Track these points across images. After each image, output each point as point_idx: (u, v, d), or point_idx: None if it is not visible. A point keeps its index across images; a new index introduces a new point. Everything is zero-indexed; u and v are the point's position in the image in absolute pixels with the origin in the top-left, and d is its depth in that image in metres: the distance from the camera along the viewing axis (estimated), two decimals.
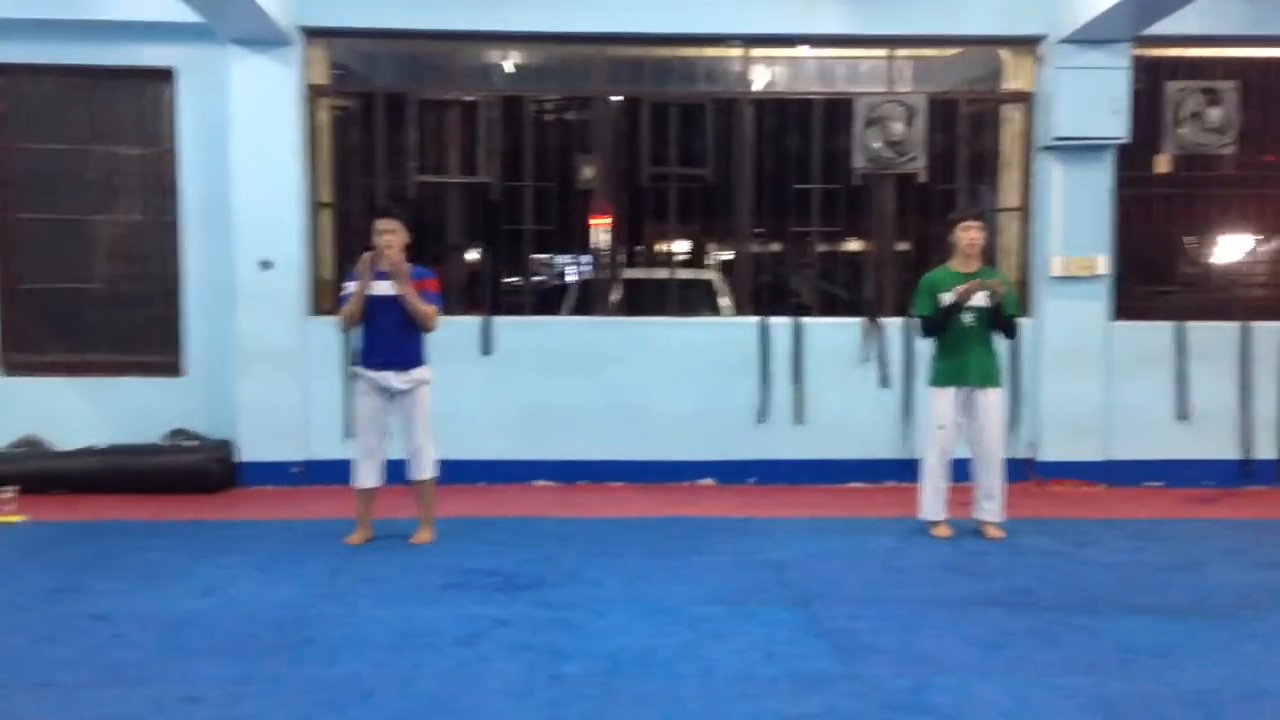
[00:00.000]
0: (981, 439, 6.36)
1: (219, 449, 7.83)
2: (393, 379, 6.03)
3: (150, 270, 8.20)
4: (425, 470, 6.16)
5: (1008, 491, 6.47)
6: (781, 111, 8.24)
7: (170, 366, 8.17)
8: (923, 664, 4.33)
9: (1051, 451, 8.00)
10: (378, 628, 4.71)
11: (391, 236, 5.93)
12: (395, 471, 6.24)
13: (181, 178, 8.05)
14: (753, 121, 8.14)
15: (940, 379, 6.41)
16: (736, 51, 8.12)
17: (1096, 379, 7.97)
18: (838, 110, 8.10)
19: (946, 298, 6.27)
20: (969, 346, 6.31)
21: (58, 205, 8.12)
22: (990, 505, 6.41)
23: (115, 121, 8.13)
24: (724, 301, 9.18)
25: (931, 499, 6.46)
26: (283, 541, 6.25)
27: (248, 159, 7.72)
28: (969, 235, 6.29)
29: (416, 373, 6.09)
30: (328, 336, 7.75)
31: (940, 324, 6.32)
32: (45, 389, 8.06)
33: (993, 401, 6.36)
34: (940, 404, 6.40)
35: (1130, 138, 7.74)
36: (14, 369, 8.10)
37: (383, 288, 5.97)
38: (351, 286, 6.03)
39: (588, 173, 8.13)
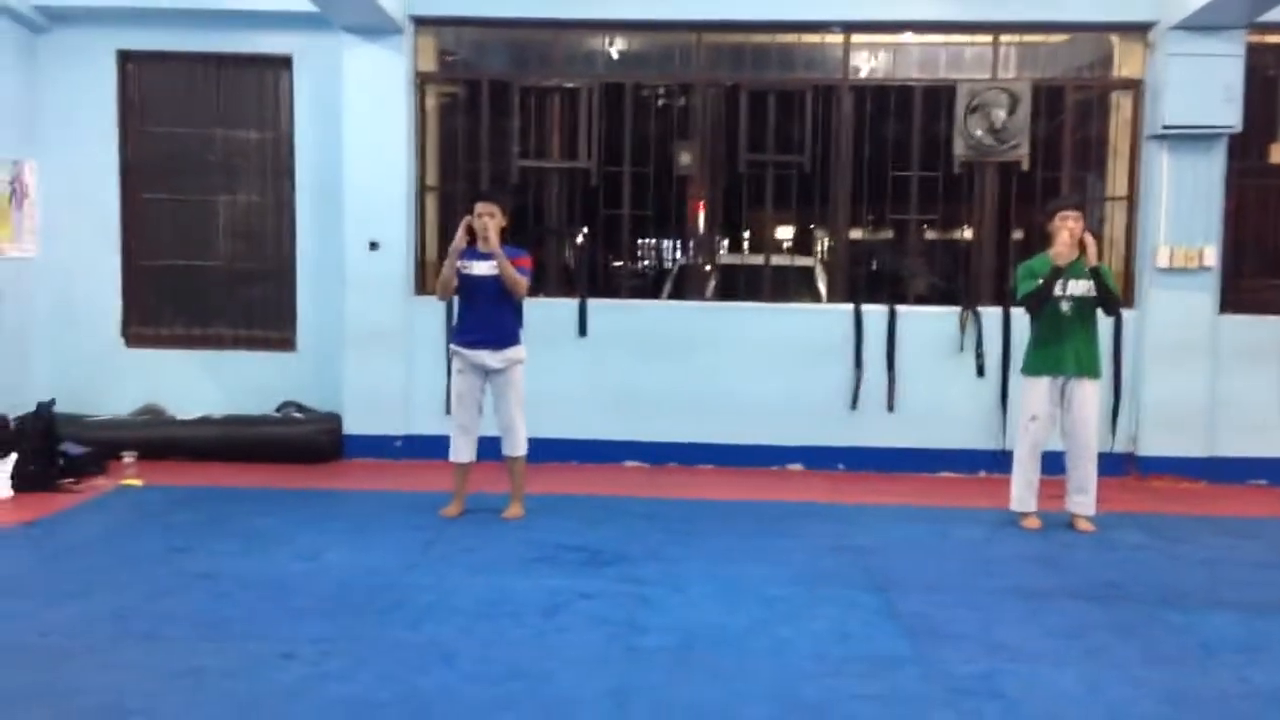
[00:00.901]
0: (1076, 431, 6.28)
1: (327, 422, 8.16)
2: (487, 357, 6.22)
3: (266, 250, 8.58)
4: (518, 447, 6.34)
5: (1103, 485, 6.37)
6: (882, 98, 8.20)
7: (283, 341, 8.54)
8: (997, 651, 4.34)
9: (1152, 446, 7.82)
10: (464, 596, 4.91)
11: (490, 220, 6.11)
12: (492, 448, 6.44)
13: (297, 161, 8.40)
14: (852, 108, 8.11)
15: (1034, 368, 6.34)
16: (837, 38, 8.10)
17: (1201, 373, 7.77)
18: (939, 97, 8.04)
19: (1060, 263, 6.16)
20: (1067, 335, 6.22)
21: (181, 186, 8.54)
22: (1082, 499, 6.33)
23: (236, 106, 8.51)
24: (821, 288, 9.19)
25: (1022, 490, 6.40)
26: (381, 511, 6.52)
27: (359, 143, 8.00)
28: (1067, 225, 6.19)
29: (511, 352, 6.26)
30: (431, 316, 8.01)
31: (1044, 294, 6.20)
32: (165, 360, 8.50)
33: (1089, 393, 6.27)
34: (1033, 394, 6.33)
35: (1243, 126, 7.51)
36: (135, 341, 8.55)
37: (481, 268, 6.16)
38: (457, 262, 6.21)
39: (686, 159, 8.21)
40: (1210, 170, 7.71)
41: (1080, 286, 6.19)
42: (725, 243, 9.35)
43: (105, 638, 4.32)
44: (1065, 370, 6.23)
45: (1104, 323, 6.54)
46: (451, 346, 6.43)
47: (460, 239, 6.13)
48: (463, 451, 6.36)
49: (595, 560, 5.56)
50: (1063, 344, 6.22)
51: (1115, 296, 6.39)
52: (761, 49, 8.24)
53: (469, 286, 6.23)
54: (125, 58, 8.42)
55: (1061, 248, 6.13)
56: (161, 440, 7.92)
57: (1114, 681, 4.03)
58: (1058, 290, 6.19)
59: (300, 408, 8.31)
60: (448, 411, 7.69)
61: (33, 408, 7.26)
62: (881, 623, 4.67)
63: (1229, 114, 7.44)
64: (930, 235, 9.68)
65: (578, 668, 4.08)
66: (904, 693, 3.92)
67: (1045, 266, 6.24)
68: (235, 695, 3.78)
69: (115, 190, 8.46)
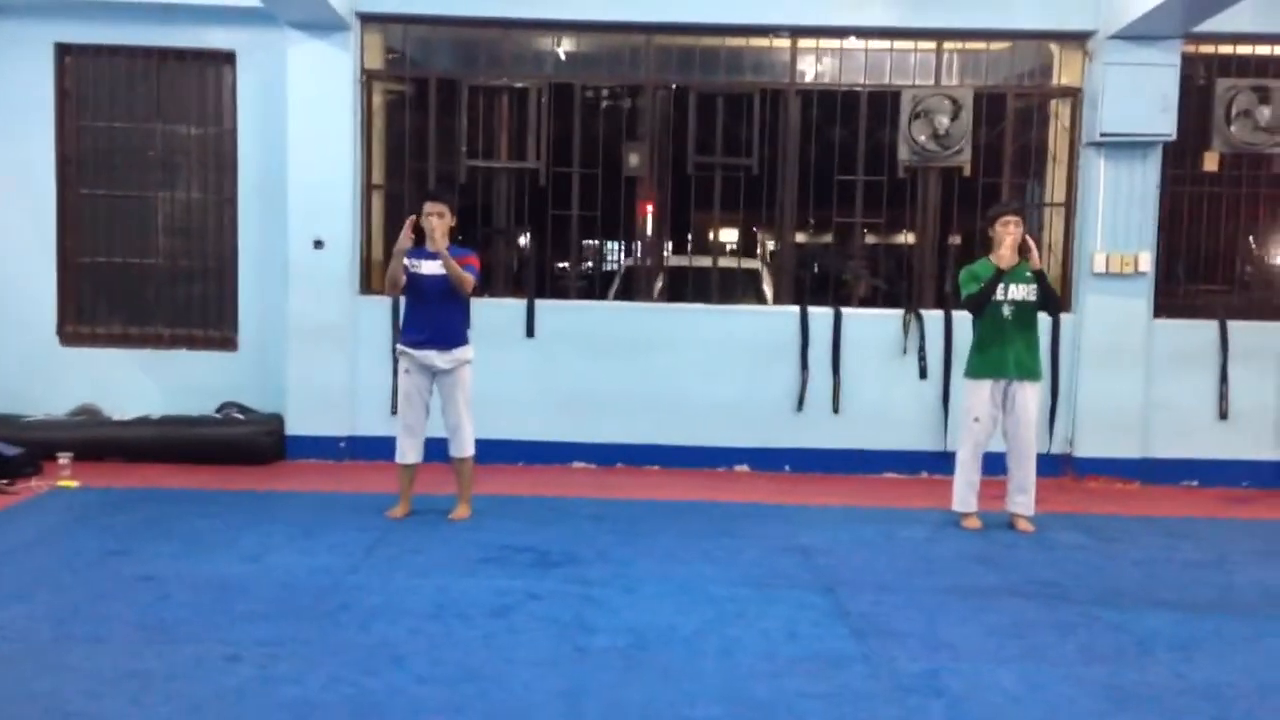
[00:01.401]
0: (1017, 432, 6.39)
1: (269, 422, 8.06)
2: (435, 358, 6.19)
3: (207, 247, 8.45)
4: (465, 448, 6.32)
5: (1040, 486, 6.50)
6: (828, 103, 8.28)
7: (224, 341, 8.42)
8: (941, 650, 4.41)
9: (1089, 448, 8.00)
10: (412, 597, 4.88)
11: (438, 220, 6.08)
12: (439, 449, 6.41)
13: (240, 157, 8.29)
14: (799, 112, 8.20)
15: (977, 371, 6.45)
16: (784, 42, 8.18)
17: (1136, 376, 7.95)
18: (884, 102, 8.15)
19: (1004, 266, 6.27)
20: (1008, 339, 6.33)
21: (119, 182, 8.38)
22: (1022, 499, 6.45)
23: (178, 101, 8.37)
24: (767, 290, 9.26)
25: (964, 491, 6.51)
26: (325, 513, 6.45)
27: (303, 140, 7.92)
28: (1008, 229, 6.30)
29: (459, 352, 6.24)
30: (376, 315, 7.97)
31: (986, 296, 6.29)
32: (102, 359, 8.34)
33: (1030, 395, 6.39)
34: (976, 396, 6.44)
35: (1178, 135, 7.70)
36: (71, 340, 8.39)
37: (428, 267, 6.13)
38: (405, 260, 6.17)
39: (635, 160, 8.23)
40: (1145, 177, 7.89)
41: (1021, 291, 6.31)
42: (670, 244, 9.34)
43: (46, 640, 4.24)
44: (1007, 373, 6.35)
45: (1043, 326, 6.68)
46: (398, 346, 6.38)
47: (405, 238, 6.10)
48: (409, 453, 6.32)
49: (544, 561, 5.55)
50: (1004, 347, 6.33)
51: (1056, 298, 6.56)
52: (710, 52, 8.28)
53: (416, 286, 6.19)
54: (63, 50, 8.25)
55: (1005, 251, 6.24)
56: (98, 441, 7.78)
57: (1054, 679, 4.11)
58: (1000, 295, 6.30)
59: (242, 408, 8.20)
60: (393, 412, 7.65)
61: None
62: (829, 622, 4.72)
63: (1164, 122, 7.63)
64: (874, 239, 9.79)
65: (529, 669, 4.08)
66: (851, 691, 3.96)
67: (987, 270, 6.35)
68: (181, 698, 3.73)
69: (51, 185, 8.30)
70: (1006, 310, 6.32)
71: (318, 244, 7.97)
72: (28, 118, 8.21)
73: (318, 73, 7.89)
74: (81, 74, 8.35)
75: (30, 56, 8.17)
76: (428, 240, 6.10)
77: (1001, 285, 6.29)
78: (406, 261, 6.14)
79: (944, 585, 5.32)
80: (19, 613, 4.55)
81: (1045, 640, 4.55)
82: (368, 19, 8.05)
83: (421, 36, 8.52)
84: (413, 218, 6.11)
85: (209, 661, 4.05)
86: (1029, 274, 6.31)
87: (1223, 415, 7.99)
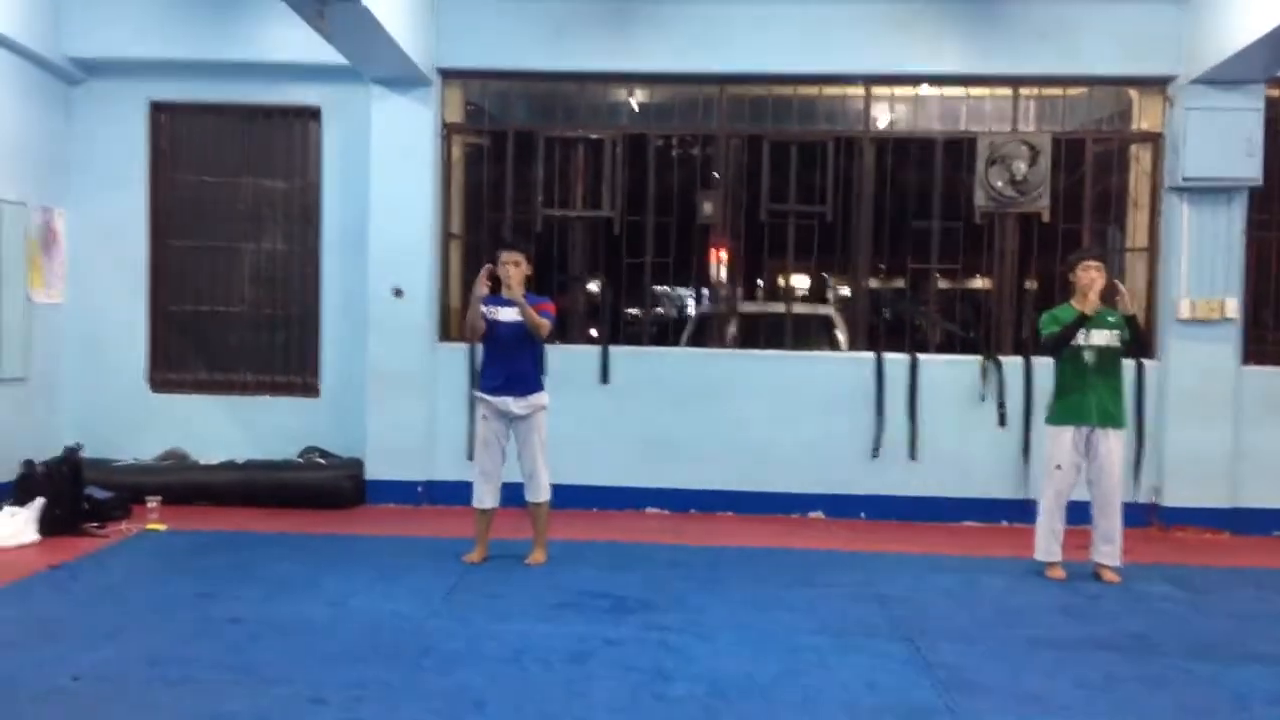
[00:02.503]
0: (1101, 481, 6.27)
1: (350, 467, 8.20)
2: (512, 404, 6.26)
3: (291, 296, 8.67)
4: (541, 493, 6.37)
5: (1126, 536, 6.35)
6: (902, 150, 8.29)
7: (307, 387, 8.61)
8: (1027, 703, 4.32)
9: (1176, 496, 7.81)
10: (491, 642, 4.90)
11: (515, 268, 6.18)
12: (515, 494, 6.46)
13: (324, 209, 8.52)
14: (873, 159, 8.21)
15: (1059, 418, 6.34)
16: (857, 90, 8.22)
17: (1224, 424, 7.77)
18: (960, 149, 8.13)
19: (1089, 311, 6.19)
20: (1091, 385, 6.24)
21: (208, 233, 8.66)
22: (1108, 549, 6.31)
23: (265, 156, 8.65)
24: (841, 336, 9.23)
25: (1046, 540, 6.38)
26: (405, 557, 6.53)
27: (385, 192, 8.12)
28: (1089, 275, 6.23)
29: (535, 398, 6.31)
30: (454, 362, 8.09)
31: (1067, 337, 6.20)
32: (189, 405, 8.57)
33: (1114, 443, 6.27)
34: (1058, 444, 6.33)
35: (1264, 179, 7.56)
36: (160, 386, 8.63)
37: (505, 314, 6.22)
38: (483, 308, 6.26)
39: (708, 208, 8.29)
40: (1231, 223, 7.76)
41: (1104, 336, 6.22)
42: (743, 290, 9.37)
43: (138, 682, 4.33)
44: (1090, 420, 6.24)
45: (1127, 373, 6.56)
46: (476, 393, 6.47)
47: (481, 284, 6.19)
48: (486, 498, 6.38)
49: (620, 607, 5.55)
50: (1086, 394, 6.23)
51: (1143, 336, 6.47)
52: (783, 101, 8.34)
53: (493, 333, 6.28)
54: (157, 108, 8.58)
55: (1092, 296, 6.16)
56: (185, 485, 7.98)
57: None
58: (1081, 340, 6.21)
59: (323, 453, 8.35)
60: (470, 457, 7.69)
61: (59, 452, 7.32)
62: (910, 673, 4.65)
63: (1249, 167, 7.51)
64: (949, 284, 9.72)
65: (608, 715, 4.08)
66: None
67: (1069, 315, 6.27)
68: None
69: (144, 237, 8.59)
70: (1089, 356, 6.23)
71: (397, 293, 8.13)
72: (123, 172, 8.52)
73: (400, 127, 8.10)
74: (175, 130, 8.66)
75: (127, 114, 8.51)
76: (504, 288, 6.20)
77: (1084, 331, 6.20)
78: (484, 309, 6.24)
79: (1028, 636, 5.21)
80: (110, 654, 4.66)
81: (1136, 694, 4.44)
82: (448, 74, 8.26)
83: (499, 90, 8.71)
84: (489, 266, 6.22)
85: (295, 704, 4.11)
86: (1112, 319, 6.23)
87: None
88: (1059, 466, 6.31)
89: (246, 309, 8.71)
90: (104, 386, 8.55)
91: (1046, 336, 6.35)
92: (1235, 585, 6.32)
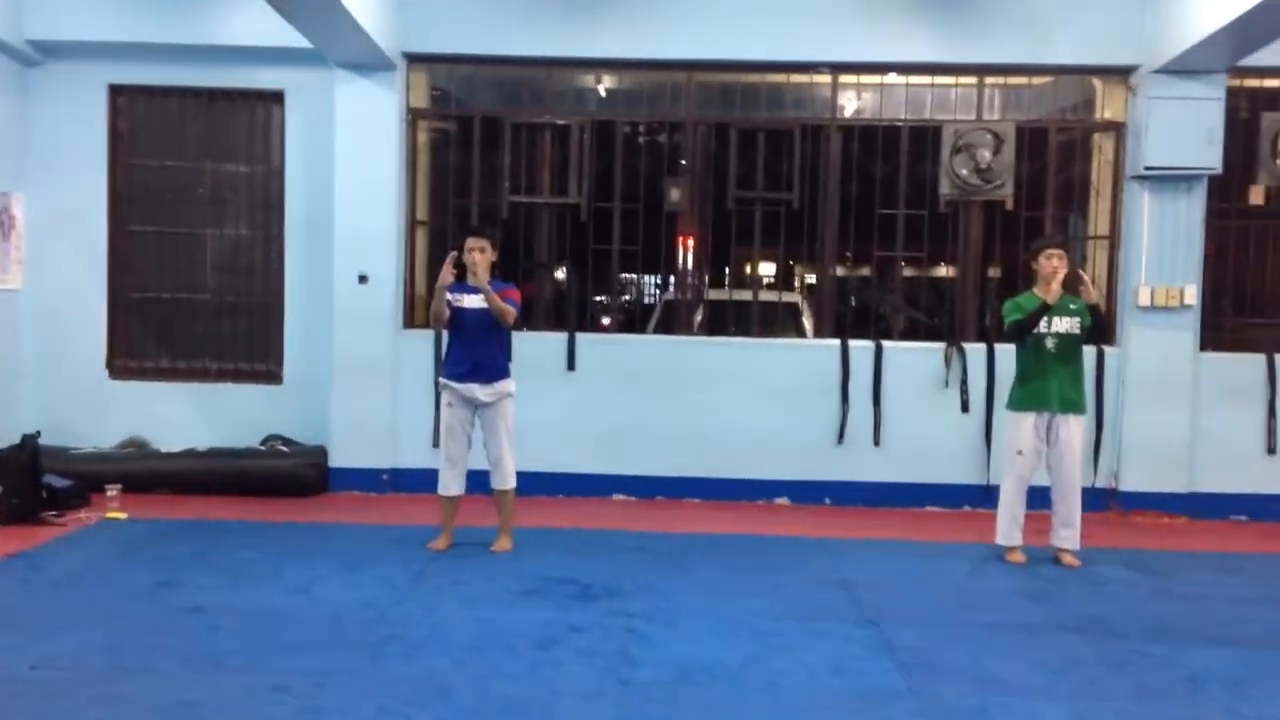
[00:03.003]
0: (1061, 466, 6.34)
1: (314, 455, 8.14)
2: (477, 391, 6.24)
3: (254, 283, 8.58)
4: (506, 481, 6.35)
5: (1085, 520, 6.43)
6: (868, 138, 8.32)
7: (270, 374, 8.53)
8: (989, 685, 4.36)
9: (1134, 482, 7.91)
10: (457, 629, 4.90)
11: (480, 255, 6.16)
12: (480, 481, 6.45)
13: (287, 195, 8.43)
14: (840, 147, 8.23)
15: (1020, 404, 6.41)
16: (825, 78, 8.23)
17: (1182, 410, 7.87)
18: (925, 137, 8.17)
19: (1050, 300, 6.26)
20: (1052, 372, 6.30)
21: (169, 219, 8.54)
22: (1067, 533, 6.38)
23: (227, 141, 8.54)
24: (807, 324, 9.27)
25: (1007, 525, 6.45)
26: (369, 545, 6.49)
27: (350, 177, 8.04)
28: (1051, 264, 6.28)
29: (500, 385, 6.29)
30: (419, 349, 8.05)
31: (1029, 325, 6.27)
32: (150, 393, 8.47)
33: (1074, 429, 6.34)
34: (1019, 429, 6.39)
35: (1223, 168, 7.65)
36: (120, 373, 8.53)
37: (470, 301, 6.19)
38: (449, 294, 6.24)
39: (675, 195, 8.28)
40: (1191, 211, 7.84)
41: (1065, 323, 6.28)
42: (710, 278, 9.38)
43: (97, 671, 4.29)
44: (1050, 406, 6.30)
45: (1087, 360, 6.63)
46: (441, 380, 6.44)
47: (446, 273, 6.16)
48: (451, 485, 6.36)
49: (586, 594, 5.55)
50: (1048, 380, 6.29)
51: (1102, 328, 6.57)
52: (751, 88, 8.34)
53: (459, 320, 6.26)
54: (116, 91, 8.45)
55: (1057, 286, 6.22)
56: (146, 473, 7.88)
57: (1104, 715, 4.07)
58: (1043, 327, 6.27)
59: (286, 441, 8.29)
60: (435, 445, 7.71)
61: (17, 440, 7.21)
62: (874, 657, 4.68)
63: (1210, 156, 7.59)
64: (914, 272, 9.78)
65: (574, 701, 4.09)
66: None
67: (1032, 303, 6.32)
68: None
69: (103, 223, 8.47)
70: (1050, 343, 6.29)
71: (362, 279, 8.07)
72: (81, 157, 8.39)
73: (364, 112, 8.03)
74: (134, 114, 8.54)
75: (84, 97, 8.37)
76: (469, 275, 6.17)
77: (1046, 318, 6.26)
78: (449, 296, 6.21)
79: (990, 620, 5.27)
80: (70, 643, 4.61)
81: (1095, 676, 4.50)
82: (414, 59, 8.19)
83: (465, 76, 8.65)
84: (454, 254, 6.19)
85: (258, 692, 4.09)
86: (1073, 307, 6.30)
87: (1271, 449, 7.89)
88: (1020, 452, 6.37)
89: (209, 295, 8.60)
90: (63, 373, 8.44)
91: (1009, 324, 6.40)
92: (1192, 569, 6.41)
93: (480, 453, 6.38)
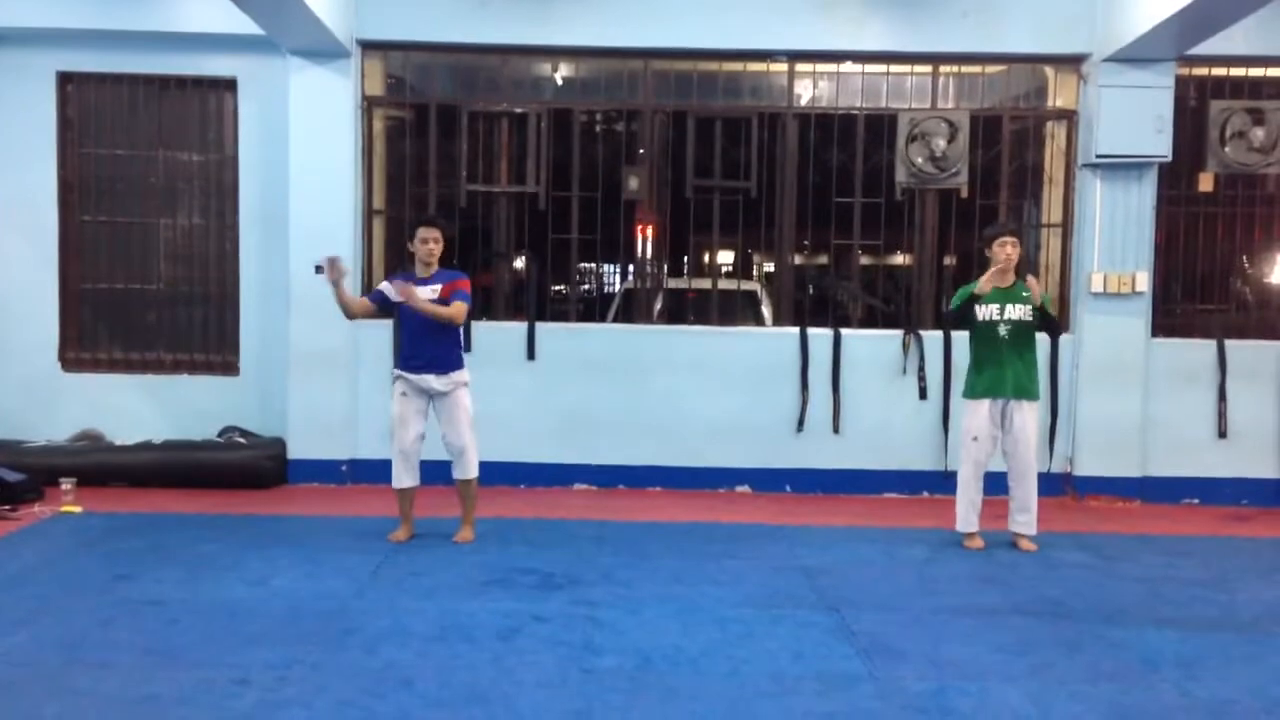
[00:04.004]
0: (1016, 451, 6.42)
1: (271, 446, 8.07)
2: (433, 381, 6.22)
3: (209, 273, 8.48)
4: (469, 470, 6.34)
5: (1041, 505, 6.52)
6: (825, 126, 8.36)
7: (225, 366, 8.45)
8: (947, 669, 4.42)
9: (1088, 466, 8.03)
10: (418, 620, 4.89)
11: (435, 245, 6.13)
12: (442, 472, 6.42)
13: (241, 183, 8.33)
14: (797, 135, 8.27)
15: (975, 391, 6.48)
16: (781, 67, 8.25)
17: (1135, 395, 8.00)
18: (881, 125, 8.22)
19: (986, 312, 6.35)
20: (1006, 359, 6.37)
21: (121, 208, 8.42)
22: (1024, 518, 6.47)
23: (179, 129, 8.42)
24: (766, 312, 9.30)
25: (965, 510, 6.52)
26: (329, 536, 6.46)
27: (305, 166, 7.97)
28: (1005, 251, 6.36)
29: (455, 375, 6.27)
30: (377, 340, 8.00)
31: (963, 312, 6.38)
32: (104, 385, 8.36)
33: (1028, 415, 6.41)
34: (974, 416, 6.46)
35: (1173, 156, 7.77)
36: (72, 365, 8.41)
37: (424, 293, 6.15)
38: (386, 288, 6.24)
39: (633, 184, 8.28)
40: (1142, 198, 7.96)
41: (1018, 311, 6.36)
42: (669, 267, 9.39)
43: (54, 666, 4.24)
44: (1004, 393, 6.38)
45: (1041, 346, 6.72)
46: (395, 371, 6.40)
47: (332, 276, 6.13)
48: (404, 477, 6.33)
49: (548, 583, 5.56)
50: (1002, 367, 6.37)
51: (1057, 325, 6.70)
52: (708, 76, 8.35)
53: (405, 312, 6.23)
54: (65, 78, 8.30)
55: (1003, 266, 6.30)
56: (101, 466, 7.79)
57: (1061, 697, 4.13)
58: (996, 314, 6.35)
59: (243, 432, 8.21)
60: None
61: None
62: (834, 642, 4.73)
63: (1159, 144, 7.70)
64: (871, 260, 9.84)
65: (536, 691, 4.09)
66: (859, 711, 3.98)
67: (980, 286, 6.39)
68: None
69: (53, 212, 8.33)
70: (1003, 330, 6.36)
71: (318, 269, 7.96)
72: (29, 145, 8.25)
73: (319, 99, 7.95)
74: (83, 102, 8.39)
75: (32, 84, 8.22)
76: (420, 266, 6.17)
77: (998, 305, 6.34)
78: (395, 286, 6.17)
79: (948, 605, 5.33)
80: (25, 638, 4.55)
81: (1051, 658, 4.57)
82: (368, 46, 8.11)
83: (421, 63, 8.58)
84: (332, 257, 6.16)
85: (217, 686, 4.06)
86: (1025, 294, 6.37)
87: (1221, 434, 8.03)
88: (975, 439, 6.44)
89: (162, 286, 8.49)
90: (14, 366, 8.31)
91: (951, 309, 6.48)
92: (1145, 552, 6.51)
93: (436, 443, 6.34)
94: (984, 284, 6.33)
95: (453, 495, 6.43)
